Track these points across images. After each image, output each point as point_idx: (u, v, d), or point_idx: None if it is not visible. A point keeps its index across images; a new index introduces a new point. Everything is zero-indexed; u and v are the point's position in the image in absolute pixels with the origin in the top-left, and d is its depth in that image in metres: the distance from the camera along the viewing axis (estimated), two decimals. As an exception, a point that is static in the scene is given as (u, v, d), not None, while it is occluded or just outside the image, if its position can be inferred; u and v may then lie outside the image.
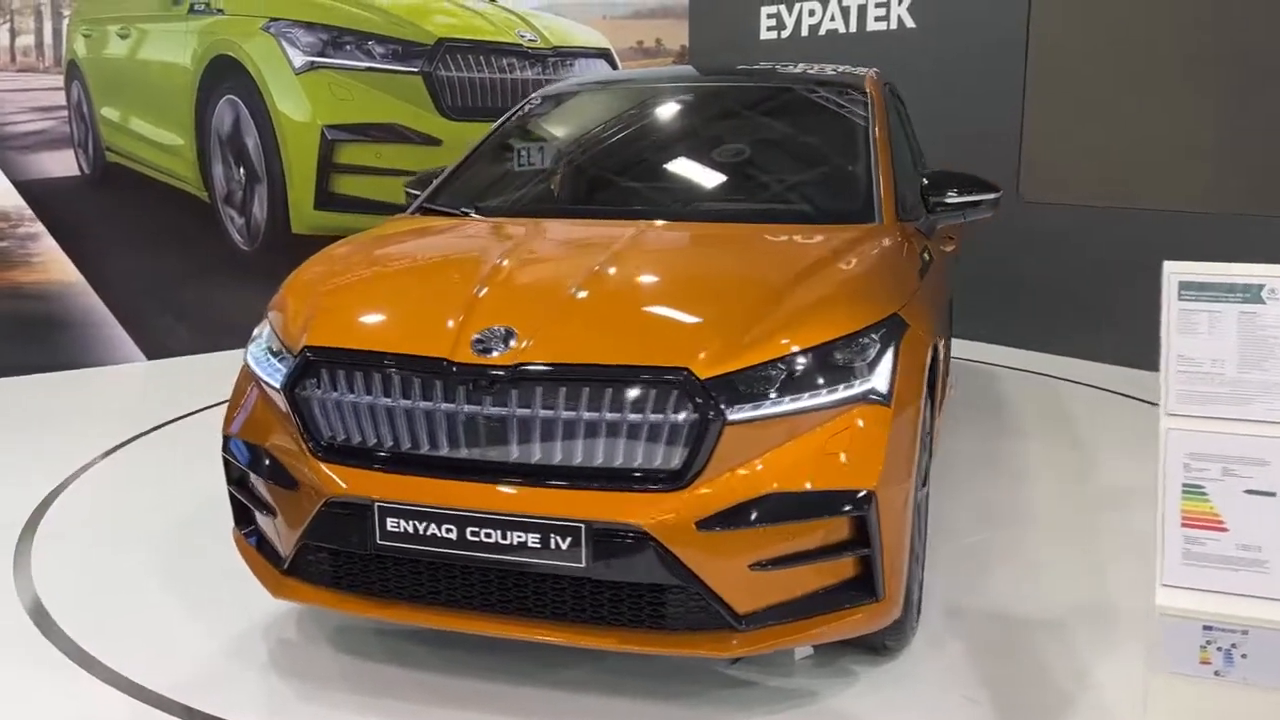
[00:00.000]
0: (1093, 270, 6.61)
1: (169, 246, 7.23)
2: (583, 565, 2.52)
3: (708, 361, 2.52)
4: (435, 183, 3.98)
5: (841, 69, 4.39)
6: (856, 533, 2.61)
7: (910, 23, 7.43)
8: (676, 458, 2.51)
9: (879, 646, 3.00)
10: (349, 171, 7.59)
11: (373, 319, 2.89)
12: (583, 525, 2.50)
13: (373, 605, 2.78)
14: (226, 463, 3.07)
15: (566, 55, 8.43)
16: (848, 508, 2.56)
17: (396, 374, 2.67)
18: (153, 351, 7.06)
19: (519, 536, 2.55)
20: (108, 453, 5.01)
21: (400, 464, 2.68)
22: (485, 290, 2.83)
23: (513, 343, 2.62)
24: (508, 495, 2.57)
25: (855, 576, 2.66)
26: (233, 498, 3.12)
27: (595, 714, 2.81)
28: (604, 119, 4.28)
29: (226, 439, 3.06)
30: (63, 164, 6.95)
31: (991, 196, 3.67)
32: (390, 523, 2.64)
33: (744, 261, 3.11)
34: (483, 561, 2.60)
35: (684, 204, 3.73)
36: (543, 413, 2.56)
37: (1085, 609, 3.38)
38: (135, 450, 5.10)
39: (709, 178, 3.87)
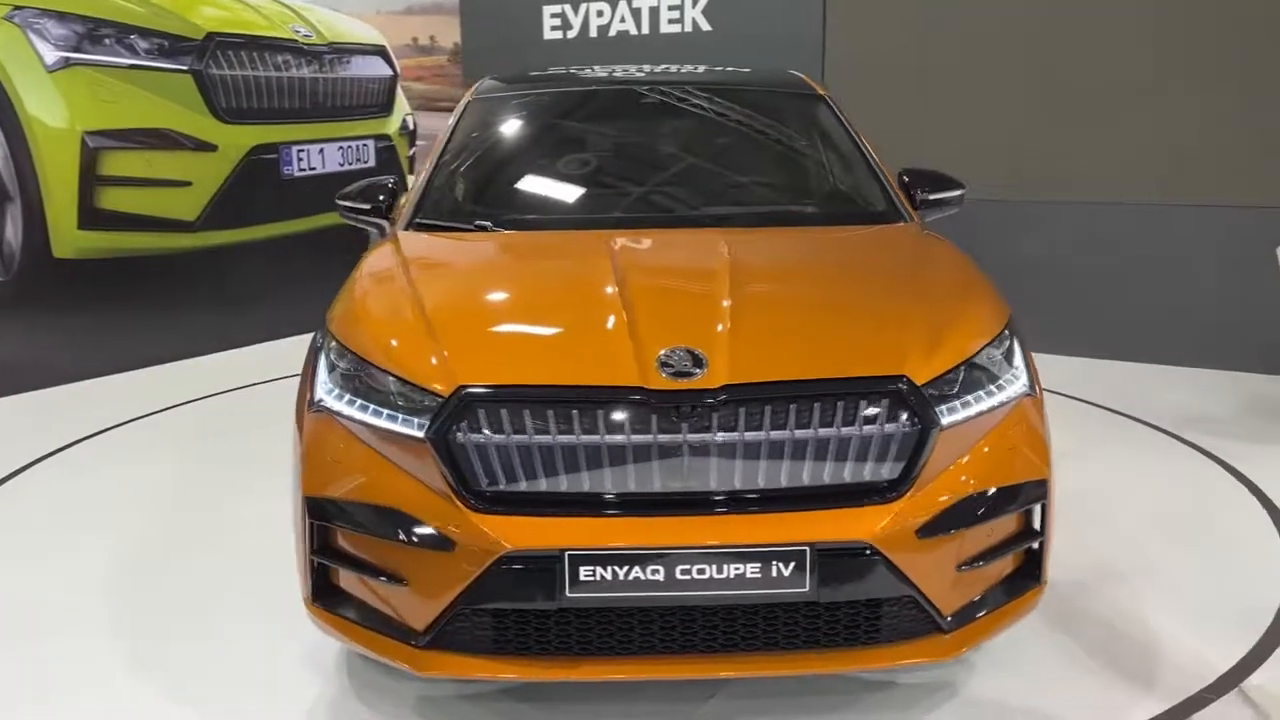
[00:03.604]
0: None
1: (-99, 280, 5.97)
2: (806, 589, 2.42)
3: (919, 367, 2.51)
4: (416, 195, 3.59)
5: (775, 71, 4.47)
6: (1032, 521, 2.71)
7: (705, 26, 7.65)
8: (895, 468, 2.48)
9: None
10: (116, 184, 6.65)
11: (527, 350, 2.59)
12: (807, 548, 2.40)
13: (555, 667, 2.49)
14: (313, 529, 2.63)
15: (343, 52, 7.89)
16: (1034, 498, 2.66)
17: (578, 408, 2.42)
18: (-111, 409, 5.80)
19: (736, 568, 2.40)
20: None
21: (589, 506, 2.43)
22: (633, 311, 2.62)
23: (705, 365, 2.46)
24: (722, 526, 2.42)
25: (1021, 565, 2.76)
26: (314, 568, 2.67)
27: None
28: (581, 122, 4.07)
29: (310, 501, 2.62)
30: None
31: (960, 193, 3.90)
32: (584, 572, 2.39)
33: (866, 265, 3.12)
34: (692, 600, 2.43)
35: (728, 209, 3.65)
36: (749, 435, 2.43)
37: (1096, 569, 3.69)
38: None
39: (737, 182, 3.81)
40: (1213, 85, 6.06)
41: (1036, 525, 2.72)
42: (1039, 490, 2.66)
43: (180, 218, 7.02)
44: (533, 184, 3.84)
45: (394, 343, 2.64)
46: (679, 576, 2.39)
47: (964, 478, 2.55)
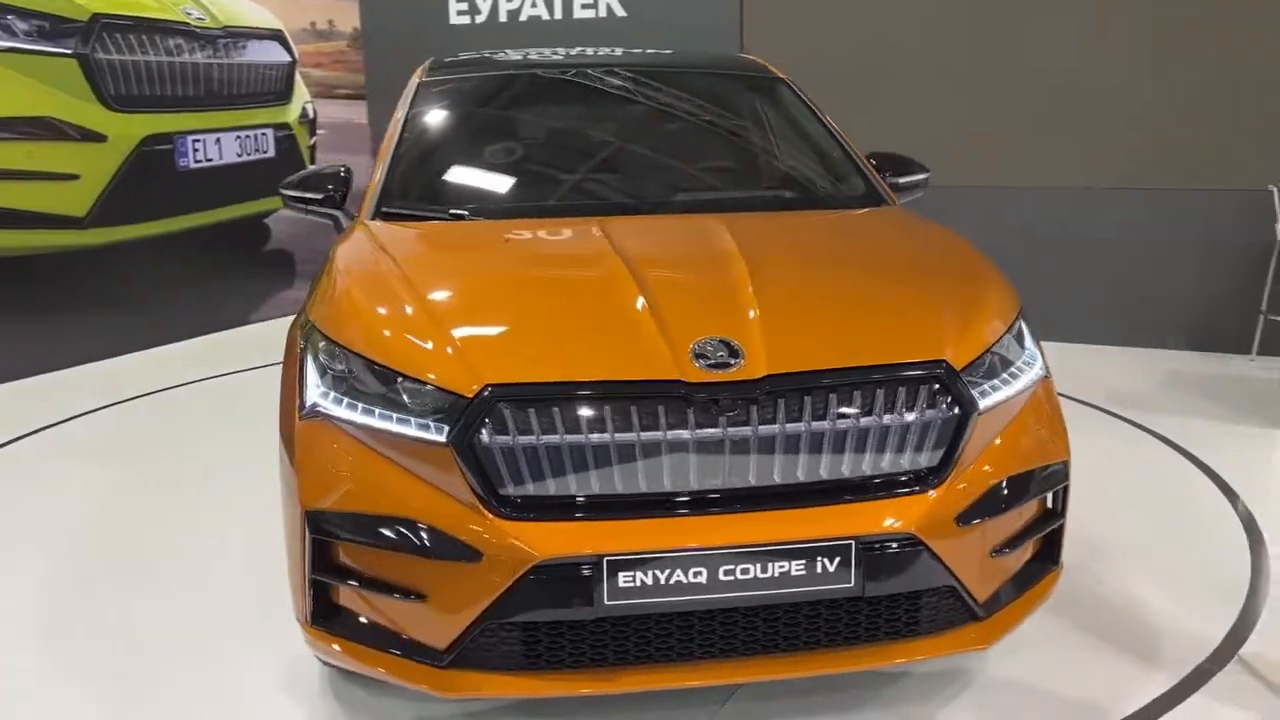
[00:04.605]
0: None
1: None
2: (851, 584, 2.33)
3: (957, 352, 2.45)
4: (379, 182, 3.36)
5: (732, 54, 4.38)
6: (1055, 504, 2.69)
7: (621, 12, 7.52)
8: (936, 455, 2.41)
9: None
10: (-6, 177, 6.14)
11: (550, 345, 2.42)
12: (852, 542, 2.32)
13: (593, 679, 2.35)
14: (314, 545, 2.41)
15: (238, 36, 7.47)
16: (1059, 480, 2.64)
17: (611, 405, 2.28)
18: None
19: (781, 566, 2.30)
20: None
21: (625, 508, 2.30)
22: (656, 300, 2.49)
23: (742, 355, 2.35)
24: (765, 523, 2.31)
25: (1039, 549, 2.74)
26: (316, 588, 2.46)
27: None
28: (546, 106, 3.89)
29: (311, 515, 2.40)
30: None
31: (925, 176, 3.90)
32: (624, 578, 2.26)
33: (874, 249, 3.05)
34: (735, 602, 2.32)
35: (713, 194, 3.55)
36: (789, 427, 2.33)
37: (1073, 549, 3.72)
38: None
39: (715, 166, 3.70)
40: (1139, 71, 6.25)
41: (1056, 507, 2.70)
42: (1062, 472, 2.65)
43: (68, 214, 6.52)
44: (504, 170, 3.65)
45: (402, 341, 2.44)
46: (722, 578, 2.28)
47: (996, 463, 2.51)
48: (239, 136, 7.49)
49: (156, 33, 6.89)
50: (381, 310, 2.58)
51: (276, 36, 7.77)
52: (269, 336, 7.28)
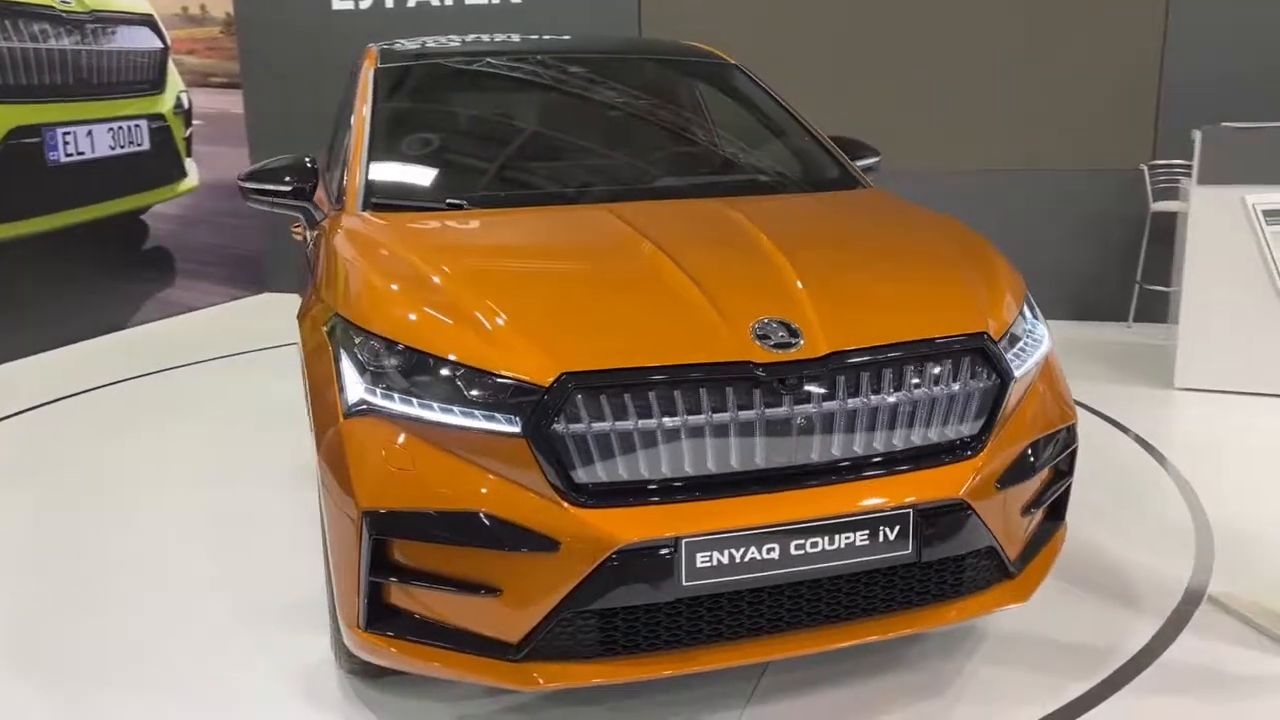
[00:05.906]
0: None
1: None
2: (909, 551, 2.43)
3: (994, 323, 2.57)
4: (361, 174, 3.22)
5: (681, 41, 4.41)
6: (1065, 464, 2.86)
7: (515, -2, 7.44)
8: (977, 423, 2.53)
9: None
10: None
11: (617, 331, 2.40)
12: (910, 510, 2.41)
13: (671, 661, 2.36)
14: (374, 546, 2.33)
15: (107, 21, 7.02)
16: (1071, 441, 2.80)
17: (682, 389, 2.29)
18: None
19: (847, 538, 2.37)
20: None
21: (700, 490, 2.32)
22: (704, 284, 2.51)
23: (800, 334, 2.40)
24: (831, 496, 2.37)
25: (1049, 510, 2.90)
26: (373, 590, 2.38)
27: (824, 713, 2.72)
28: (515, 93, 3.80)
29: (370, 516, 2.32)
30: None
31: (878, 159, 4.03)
32: (701, 558, 2.28)
33: (883, 229, 3.13)
34: (805, 575, 2.37)
35: (703, 179, 3.57)
36: (850, 402, 2.40)
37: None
38: None
39: (695, 152, 3.72)
40: (1021, 62, 6.60)
41: (1065, 468, 2.86)
42: (1073, 434, 2.82)
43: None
44: (496, 157, 3.57)
45: (460, 333, 2.36)
46: (794, 552, 2.34)
47: (1023, 428, 2.64)
48: (111, 128, 7.06)
49: (19, 17, 6.40)
50: (438, 305, 2.47)
51: (147, 21, 7.34)
52: (156, 338, 6.91)
